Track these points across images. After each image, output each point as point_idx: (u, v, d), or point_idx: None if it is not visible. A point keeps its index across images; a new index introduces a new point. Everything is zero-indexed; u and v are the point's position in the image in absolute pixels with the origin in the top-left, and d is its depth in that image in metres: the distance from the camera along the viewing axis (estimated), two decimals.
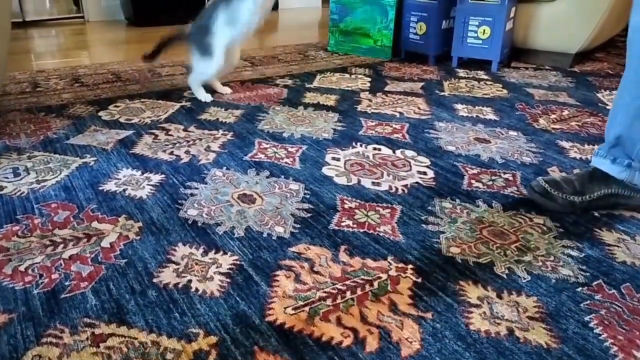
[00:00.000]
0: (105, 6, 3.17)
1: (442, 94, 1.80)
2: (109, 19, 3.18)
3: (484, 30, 2.03)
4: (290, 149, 1.32)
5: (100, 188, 1.09)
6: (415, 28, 2.19)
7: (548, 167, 1.24)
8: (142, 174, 1.17)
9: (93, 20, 3.15)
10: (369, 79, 1.97)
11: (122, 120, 1.50)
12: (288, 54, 2.36)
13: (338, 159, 1.27)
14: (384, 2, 2.21)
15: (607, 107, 1.66)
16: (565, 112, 1.61)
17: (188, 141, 1.36)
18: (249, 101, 1.69)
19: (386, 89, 1.86)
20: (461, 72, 2.07)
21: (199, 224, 0.96)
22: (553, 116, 1.58)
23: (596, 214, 1.03)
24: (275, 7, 3.77)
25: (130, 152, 1.29)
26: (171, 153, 1.28)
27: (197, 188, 1.10)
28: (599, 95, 1.79)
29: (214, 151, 1.30)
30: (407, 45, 2.25)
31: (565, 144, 1.37)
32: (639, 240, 0.95)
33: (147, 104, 1.64)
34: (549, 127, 1.49)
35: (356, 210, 1.02)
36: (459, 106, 1.67)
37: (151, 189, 1.09)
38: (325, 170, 1.21)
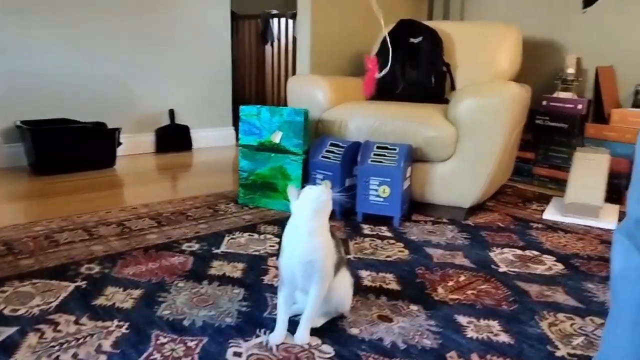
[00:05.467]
0: (7, 153, 3.08)
1: (348, 257, 1.84)
2: (10, 166, 3.07)
3: (384, 190, 2.16)
4: (189, 344, 1.27)
5: None
6: (320, 185, 2.28)
7: (447, 351, 1.27)
8: None
9: None
10: (277, 240, 1.99)
11: (6, 312, 1.39)
12: (198, 209, 2.36)
13: (240, 354, 1.23)
14: (290, 160, 2.31)
15: (499, 270, 1.77)
16: (462, 278, 1.69)
17: (78, 339, 1.27)
18: (150, 276, 1.64)
19: None
20: (366, 228, 2.15)
21: None
22: (451, 283, 1.65)
23: None
24: (189, 146, 3.85)
25: None
26: (57, 358, 1.18)
27: None
28: (491, 254, 1.91)
29: (104, 352, 1.22)
30: None
31: (462, 320, 1.42)
32: None
33: (38, 287, 1.54)
34: (447, 298, 1.55)
35: None
36: (363, 273, 1.71)
37: None
38: None
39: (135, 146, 3.59)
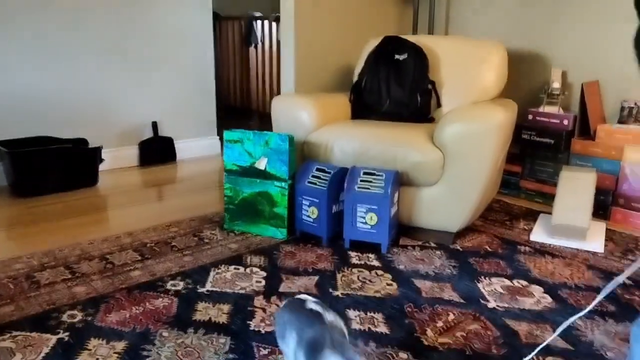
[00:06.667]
0: None
1: (336, 294, 1.82)
2: None
3: (372, 217, 2.14)
4: None
5: None
6: (307, 211, 2.26)
7: None
8: None
9: None
10: (264, 274, 1.96)
11: None
12: (182, 237, 2.32)
13: None
14: (277, 185, 2.28)
15: (488, 305, 1.76)
16: (451, 317, 1.68)
17: None
18: (134, 323, 1.60)
19: (281, 289, 1.85)
20: (353, 257, 2.13)
21: None
22: (440, 323, 1.63)
23: None
24: (174, 158, 3.79)
25: None
26: None
27: None
28: (480, 285, 1.90)
29: None
30: (301, 226, 2.30)
31: None
32: None
33: (19, 341, 1.50)
34: (437, 343, 1.53)
35: None
36: (351, 313, 1.69)
37: None
38: None
39: (118, 160, 3.52)
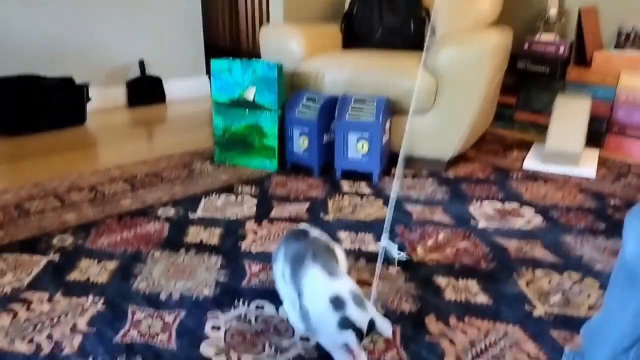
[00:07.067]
0: None
1: (327, 218, 1.82)
2: None
3: (363, 145, 2.11)
4: (167, 318, 1.25)
5: None
6: (298, 142, 2.23)
7: (426, 314, 1.27)
8: None
9: None
10: (255, 201, 1.96)
11: None
12: (173, 169, 2.30)
13: (218, 328, 1.22)
14: (267, 116, 2.24)
15: (478, 225, 1.76)
16: (441, 236, 1.68)
17: (52, 319, 1.24)
18: (125, 246, 1.60)
19: (272, 214, 1.85)
20: (345, 185, 2.12)
21: None
22: (430, 242, 1.64)
23: None
24: (163, 98, 3.72)
25: None
26: (31, 341, 1.16)
27: None
28: (471, 208, 1.90)
29: (80, 331, 1.20)
30: (292, 158, 2.28)
31: (441, 281, 1.42)
32: None
33: (9, 262, 1.50)
34: (426, 258, 1.54)
35: None
36: (342, 234, 1.69)
37: None
38: (203, 348, 1.15)
39: (106, 100, 3.46)
